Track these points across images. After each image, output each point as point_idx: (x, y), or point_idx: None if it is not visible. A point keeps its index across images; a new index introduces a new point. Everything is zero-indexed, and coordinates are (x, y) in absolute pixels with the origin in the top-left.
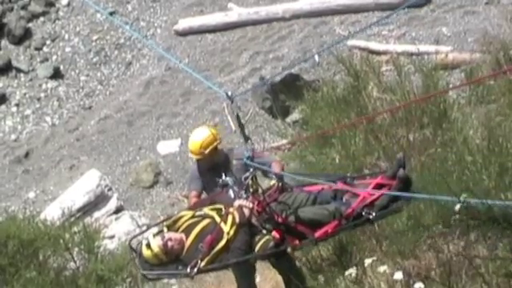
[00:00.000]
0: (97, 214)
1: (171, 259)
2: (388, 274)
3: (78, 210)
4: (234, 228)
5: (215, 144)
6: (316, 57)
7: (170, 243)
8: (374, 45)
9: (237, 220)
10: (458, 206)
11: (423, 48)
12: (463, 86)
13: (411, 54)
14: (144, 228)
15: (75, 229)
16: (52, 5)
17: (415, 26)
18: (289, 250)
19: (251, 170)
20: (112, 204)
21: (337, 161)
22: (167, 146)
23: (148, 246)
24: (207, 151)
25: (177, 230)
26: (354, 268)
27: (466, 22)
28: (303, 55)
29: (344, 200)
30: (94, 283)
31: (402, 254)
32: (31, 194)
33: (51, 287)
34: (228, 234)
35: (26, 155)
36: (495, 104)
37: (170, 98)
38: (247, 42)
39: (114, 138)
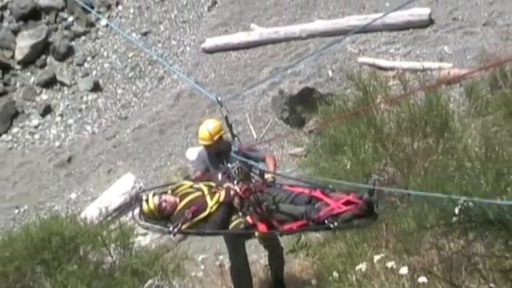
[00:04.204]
0: (132, 214)
1: (163, 217)
2: (395, 269)
3: (115, 210)
4: (217, 205)
5: (221, 133)
6: (329, 72)
7: (164, 204)
8: (382, 62)
9: (221, 199)
10: (457, 209)
11: (427, 65)
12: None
13: (416, 70)
14: (155, 186)
15: (112, 227)
16: (92, 25)
17: (419, 44)
18: (256, 234)
19: (237, 162)
20: None
21: (348, 167)
22: (195, 152)
23: (147, 201)
24: (215, 138)
25: (176, 195)
26: (364, 263)
27: (465, 41)
28: (318, 71)
29: (316, 206)
30: (129, 275)
31: (408, 251)
32: (73, 195)
33: (90, 279)
34: (211, 208)
35: (69, 160)
36: (492, 116)
37: (197, 109)
38: (267, 59)
39: (147, 145)
